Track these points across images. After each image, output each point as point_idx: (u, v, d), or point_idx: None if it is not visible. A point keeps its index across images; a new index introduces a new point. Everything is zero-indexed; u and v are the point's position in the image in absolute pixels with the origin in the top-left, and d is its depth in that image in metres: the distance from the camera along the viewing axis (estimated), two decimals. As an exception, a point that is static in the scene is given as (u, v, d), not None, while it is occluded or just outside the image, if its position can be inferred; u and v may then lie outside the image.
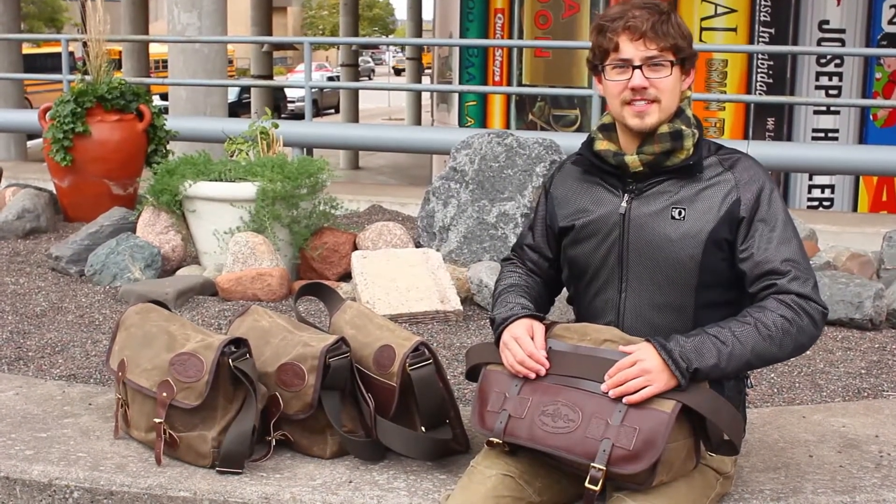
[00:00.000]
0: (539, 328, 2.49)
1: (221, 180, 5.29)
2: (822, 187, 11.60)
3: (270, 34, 22.52)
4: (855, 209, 11.45)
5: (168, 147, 7.18)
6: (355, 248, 5.36)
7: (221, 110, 10.04)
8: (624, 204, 2.47)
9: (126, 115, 6.85)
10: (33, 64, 23.16)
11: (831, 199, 11.67)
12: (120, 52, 20.49)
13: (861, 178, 11.32)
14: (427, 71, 29.64)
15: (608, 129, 2.54)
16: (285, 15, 49.16)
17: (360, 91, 25.75)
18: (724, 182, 2.44)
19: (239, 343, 2.89)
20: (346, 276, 5.26)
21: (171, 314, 3.18)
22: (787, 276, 2.35)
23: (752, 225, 2.40)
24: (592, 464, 2.21)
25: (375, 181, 17.64)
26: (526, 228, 2.80)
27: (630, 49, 2.39)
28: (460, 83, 13.05)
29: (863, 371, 4.16)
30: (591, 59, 2.52)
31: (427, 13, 25.73)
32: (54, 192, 6.92)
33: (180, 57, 9.83)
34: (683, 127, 2.45)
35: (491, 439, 2.40)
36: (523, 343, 2.44)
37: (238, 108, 26.23)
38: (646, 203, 2.46)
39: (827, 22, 11.27)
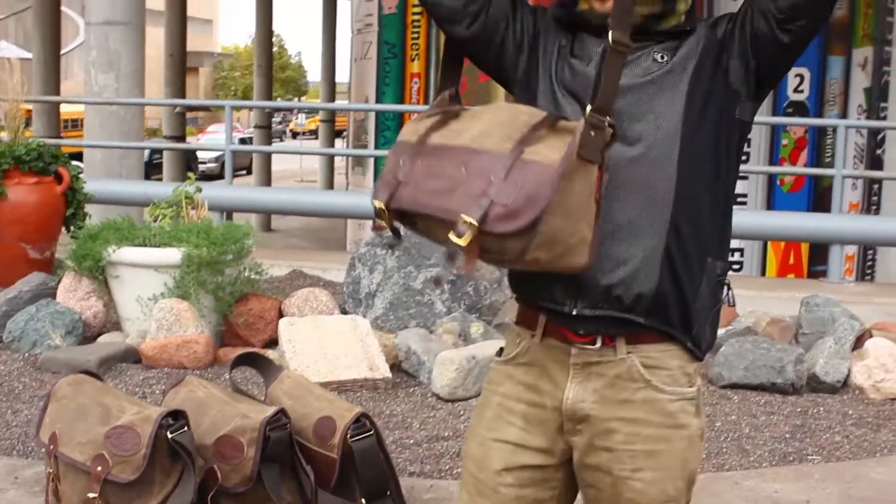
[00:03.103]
0: None
1: (146, 245, 5.23)
2: (732, 251, 11.84)
3: (184, 95, 22.42)
4: (764, 273, 11.70)
5: (85, 210, 7.07)
6: (281, 314, 5.32)
7: (137, 172, 9.94)
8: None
9: (44, 178, 6.73)
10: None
11: (741, 263, 11.90)
12: (30, 111, 20.18)
13: (769, 242, 11.59)
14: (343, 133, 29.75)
15: None
16: (197, 75, 49.05)
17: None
18: (700, 30, 2.09)
19: (177, 415, 2.84)
20: (272, 343, 5.22)
21: (104, 385, 3.11)
22: None
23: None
24: (462, 215, 1.86)
25: (289, 244, 17.53)
26: None
27: None
28: (376, 147, 13.09)
29: (787, 435, 4.24)
30: None
31: (341, 75, 25.90)
32: (-33, 255, 6.76)
33: (97, 118, 9.72)
34: None
35: (380, 222, 2.04)
36: None
37: (150, 169, 25.96)
38: (630, 64, 2.02)
39: (735, 90, 11.59)
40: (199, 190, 5.64)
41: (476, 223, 1.84)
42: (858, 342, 5.27)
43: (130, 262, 5.18)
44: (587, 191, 1.89)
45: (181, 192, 5.54)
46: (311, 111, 46.19)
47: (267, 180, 22.96)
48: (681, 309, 2.01)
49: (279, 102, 23.30)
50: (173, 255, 5.12)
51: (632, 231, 1.98)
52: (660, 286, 1.97)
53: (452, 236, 1.85)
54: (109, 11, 9.62)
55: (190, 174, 6.07)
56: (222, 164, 32.17)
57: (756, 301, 6.65)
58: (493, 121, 2.00)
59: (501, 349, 2.16)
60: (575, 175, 1.87)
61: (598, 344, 2.01)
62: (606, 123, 1.89)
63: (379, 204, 2.02)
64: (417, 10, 12.77)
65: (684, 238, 2.00)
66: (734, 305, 6.39)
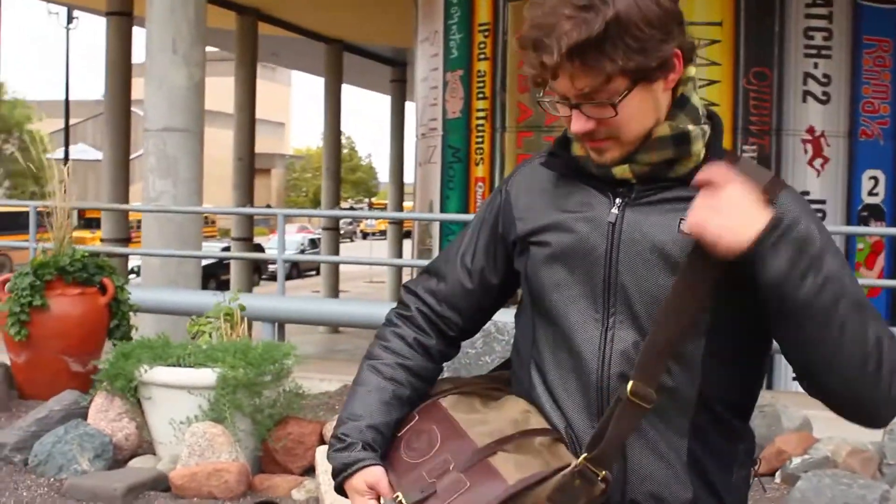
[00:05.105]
0: (384, 482, 1.78)
1: (180, 365, 4.97)
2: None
3: (252, 197, 22.54)
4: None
5: (132, 321, 6.88)
6: (322, 439, 5.01)
7: (195, 280, 9.78)
8: (615, 210, 1.74)
9: (88, 289, 6.57)
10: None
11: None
12: (100, 212, 20.43)
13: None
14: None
15: None
16: (269, 176, 49.68)
17: (342, 252, 25.76)
18: None
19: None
20: (312, 470, 4.90)
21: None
22: None
23: None
24: (399, 494, 1.72)
25: (357, 346, 17.29)
26: (454, 249, 1.93)
27: (560, 82, 1.67)
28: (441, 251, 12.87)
29: (873, 589, 3.80)
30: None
31: (409, 176, 25.91)
32: (9, 366, 6.58)
33: (154, 224, 9.62)
34: (690, 126, 1.71)
35: None
36: None
37: (219, 270, 26.06)
38: (643, 212, 1.73)
39: (807, 193, 11.21)
40: (243, 308, 5.39)
41: None
42: (950, 476, 4.82)
43: (163, 382, 4.93)
44: None
45: (222, 309, 5.30)
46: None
47: (335, 282, 23.01)
48: None
49: (329, 212, 23.69)
50: (208, 375, 4.85)
51: (655, 439, 1.70)
52: (694, 495, 1.70)
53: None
54: (168, 118, 9.59)
55: (238, 292, 5.82)
56: (293, 264, 32.35)
57: (832, 424, 6.17)
58: (500, 414, 1.80)
59: None
60: None
61: None
62: (599, 479, 1.64)
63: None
64: (481, 114, 12.64)
65: (710, 437, 1.72)
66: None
